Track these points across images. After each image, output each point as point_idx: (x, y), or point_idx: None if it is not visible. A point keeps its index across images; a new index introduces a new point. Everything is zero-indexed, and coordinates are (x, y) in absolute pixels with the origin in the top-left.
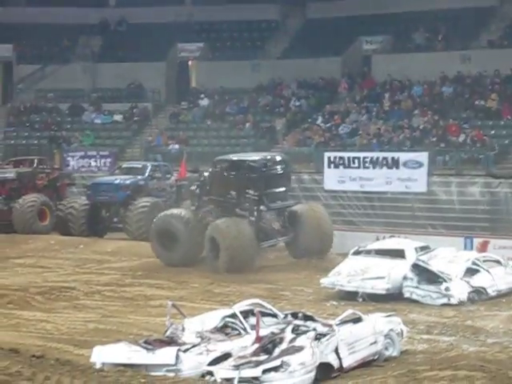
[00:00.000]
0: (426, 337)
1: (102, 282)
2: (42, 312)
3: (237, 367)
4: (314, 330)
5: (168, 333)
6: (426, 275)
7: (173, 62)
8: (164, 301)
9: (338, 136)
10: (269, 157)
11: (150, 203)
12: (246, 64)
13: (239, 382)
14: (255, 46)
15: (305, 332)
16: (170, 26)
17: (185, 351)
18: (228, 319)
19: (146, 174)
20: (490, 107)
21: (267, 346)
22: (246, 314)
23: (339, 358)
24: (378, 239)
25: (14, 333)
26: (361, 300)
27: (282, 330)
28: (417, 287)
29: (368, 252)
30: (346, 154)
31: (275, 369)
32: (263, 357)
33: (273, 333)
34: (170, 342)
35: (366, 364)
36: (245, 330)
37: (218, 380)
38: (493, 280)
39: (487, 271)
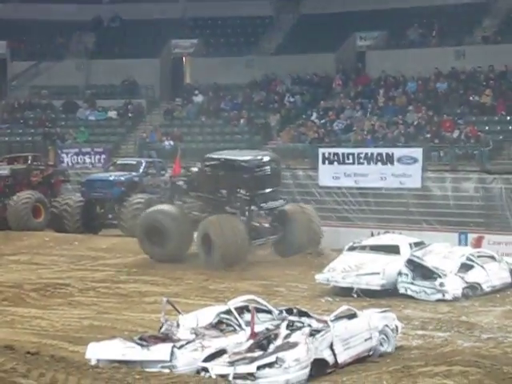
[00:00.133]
0: (420, 332)
1: (97, 279)
2: (37, 309)
3: (232, 363)
4: (309, 326)
5: (163, 329)
6: (421, 271)
7: (167, 58)
8: (159, 297)
9: (333, 132)
10: (260, 156)
11: (145, 200)
12: (240, 60)
13: (234, 378)
14: (249, 42)
15: (299, 328)
16: (163, 23)
17: (180, 348)
18: (223, 315)
19: (141, 171)
20: (484, 103)
21: (262, 342)
22: (241, 310)
23: (334, 354)
24: (372, 235)
25: (8, 329)
26: (355, 296)
27: (277, 326)
28: (411, 283)
29: (363, 248)
30: (340, 150)
31: (270, 365)
32: (258, 353)
33: (267, 329)
34: (165, 338)
35: (360, 360)
36: (240, 326)
37: (213, 376)
38: (487, 276)
39: (482, 267)
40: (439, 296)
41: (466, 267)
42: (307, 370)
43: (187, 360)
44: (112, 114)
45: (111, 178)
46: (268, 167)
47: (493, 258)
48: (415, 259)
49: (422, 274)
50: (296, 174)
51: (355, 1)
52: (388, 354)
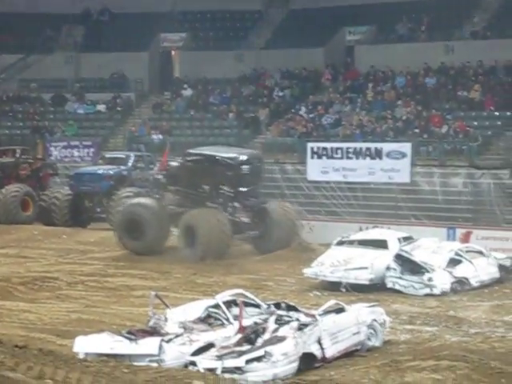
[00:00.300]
0: (408, 327)
1: (85, 273)
2: (25, 302)
3: (220, 357)
4: (297, 320)
5: (151, 323)
6: (409, 266)
7: (156, 51)
8: (147, 291)
9: (322, 126)
10: (243, 154)
11: (133, 193)
12: (229, 54)
13: (222, 372)
14: (238, 37)
15: (288, 322)
16: (152, 16)
17: (168, 341)
18: (211, 309)
19: (129, 164)
20: (473, 98)
21: (250, 336)
22: (229, 304)
23: (322, 348)
24: (361, 230)
25: None
26: (344, 290)
27: (265, 321)
28: (400, 277)
29: (351, 242)
30: (329, 145)
31: (258, 359)
32: (246, 347)
33: (256, 323)
34: (153, 332)
35: (348, 354)
36: (228, 320)
37: (201, 370)
38: (475, 271)
39: (470, 262)
40: (427, 291)
41: (454, 262)
42: (295, 364)
43: (175, 354)
44: (101, 107)
45: (100, 172)
46: (251, 165)
47: (481, 253)
48: (403, 254)
49: (411, 269)
50: (285, 168)
51: None
52: (376, 349)
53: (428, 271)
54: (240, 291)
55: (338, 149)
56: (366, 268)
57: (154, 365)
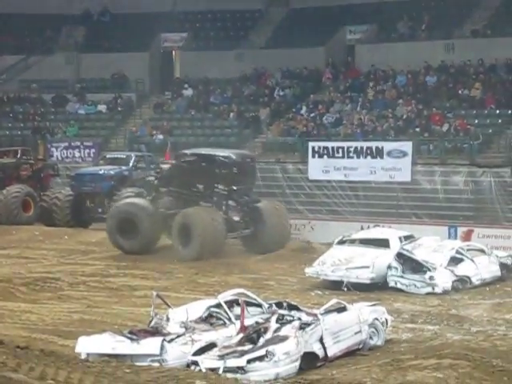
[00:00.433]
0: (410, 326)
1: (87, 273)
2: (27, 303)
3: (222, 357)
4: (299, 319)
5: (153, 323)
6: (411, 264)
7: (156, 52)
8: (149, 291)
9: (322, 126)
10: (236, 154)
11: (135, 193)
12: (229, 54)
13: (224, 371)
14: (239, 36)
15: (289, 321)
16: (153, 16)
17: (169, 341)
18: (213, 309)
19: (130, 165)
20: (473, 96)
21: (252, 335)
22: (231, 303)
23: (324, 348)
24: (362, 229)
25: None
26: (345, 289)
27: (267, 320)
28: (401, 276)
29: (352, 241)
30: (330, 144)
31: (260, 358)
32: (248, 346)
33: (257, 322)
34: (155, 332)
35: (350, 353)
36: (229, 319)
37: (203, 370)
38: (477, 269)
39: (471, 260)
40: (429, 289)
41: (455, 260)
42: (297, 364)
43: (177, 354)
44: (102, 107)
45: (101, 172)
46: (245, 164)
47: (482, 251)
48: (405, 253)
49: (412, 268)
50: (286, 167)
51: None
52: (378, 348)
53: (429, 270)
54: (242, 291)
55: (338, 148)
56: (367, 267)
57: (156, 365)
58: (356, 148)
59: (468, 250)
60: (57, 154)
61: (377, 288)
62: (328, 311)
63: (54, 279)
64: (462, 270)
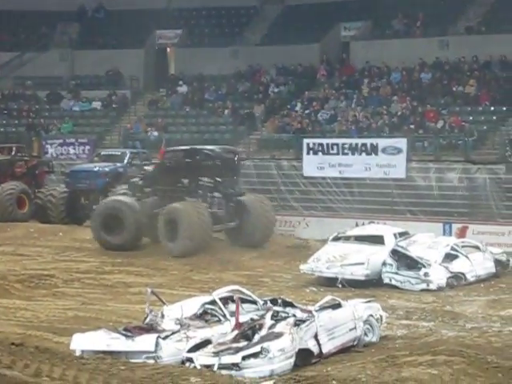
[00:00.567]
0: (405, 322)
1: (82, 270)
2: (22, 300)
3: (216, 354)
4: (294, 316)
5: (147, 320)
6: (405, 261)
7: (151, 48)
8: (143, 288)
9: (317, 122)
10: (220, 147)
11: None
12: (224, 51)
13: (219, 368)
14: (234, 33)
15: (284, 318)
16: (148, 13)
17: (164, 338)
18: (207, 306)
19: (125, 162)
20: (468, 93)
21: (247, 332)
22: (226, 300)
23: (319, 344)
24: (357, 225)
25: None
26: (340, 286)
27: (262, 317)
28: (396, 273)
29: (347, 238)
30: (324, 141)
31: (255, 355)
32: (243, 343)
33: (252, 319)
34: (150, 329)
35: (345, 350)
36: (224, 316)
37: (198, 367)
38: (472, 265)
39: (466, 257)
40: (424, 286)
41: (450, 257)
42: (292, 360)
43: (172, 351)
44: (96, 104)
45: (96, 169)
46: (230, 157)
47: (477, 247)
48: (400, 249)
49: (407, 264)
50: (280, 164)
51: None
52: (372, 344)
53: (424, 266)
54: (236, 287)
55: (333, 145)
56: (362, 263)
57: (151, 361)
58: (351, 145)
59: (463, 246)
60: (51, 151)
61: (371, 285)
62: (323, 308)
63: (48, 276)
64: (457, 266)
